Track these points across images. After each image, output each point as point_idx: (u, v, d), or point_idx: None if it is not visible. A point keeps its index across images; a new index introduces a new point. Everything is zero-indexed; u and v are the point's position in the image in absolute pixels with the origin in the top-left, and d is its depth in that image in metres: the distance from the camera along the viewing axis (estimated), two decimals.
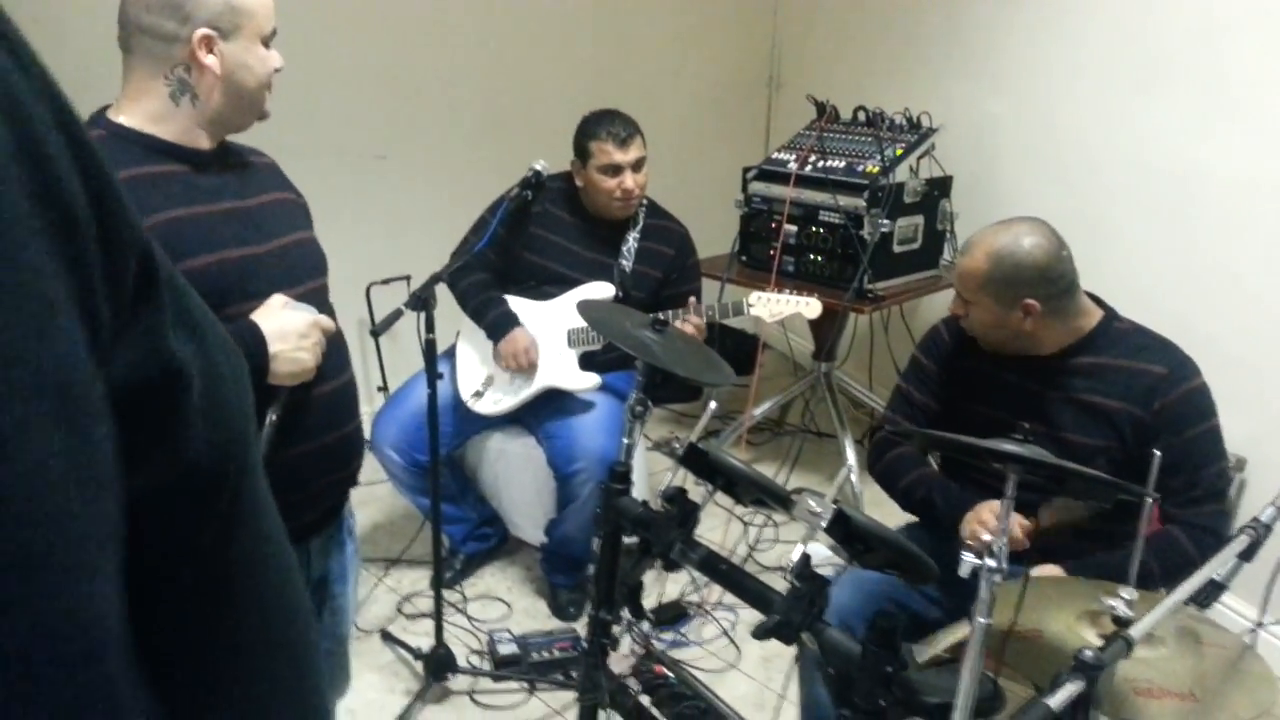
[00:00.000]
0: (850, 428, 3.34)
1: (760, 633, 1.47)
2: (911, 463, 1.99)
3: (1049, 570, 1.78)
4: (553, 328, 2.60)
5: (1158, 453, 1.34)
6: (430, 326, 2.14)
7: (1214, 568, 1.30)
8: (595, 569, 1.75)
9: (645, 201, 2.71)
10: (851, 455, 3.16)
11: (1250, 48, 2.47)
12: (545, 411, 2.62)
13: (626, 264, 2.65)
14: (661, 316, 1.83)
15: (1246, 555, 1.36)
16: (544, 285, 2.64)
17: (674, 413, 3.87)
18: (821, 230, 3.13)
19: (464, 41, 3.54)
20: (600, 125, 2.59)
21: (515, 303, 2.63)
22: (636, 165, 2.59)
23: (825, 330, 3.40)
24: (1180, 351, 1.82)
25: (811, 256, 3.16)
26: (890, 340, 3.56)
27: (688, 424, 3.74)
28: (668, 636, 2.59)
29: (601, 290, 2.60)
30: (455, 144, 3.60)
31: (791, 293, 2.53)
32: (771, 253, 3.18)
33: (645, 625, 1.80)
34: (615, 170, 2.58)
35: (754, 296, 2.52)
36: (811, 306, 2.48)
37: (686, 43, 4.05)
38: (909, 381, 2.06)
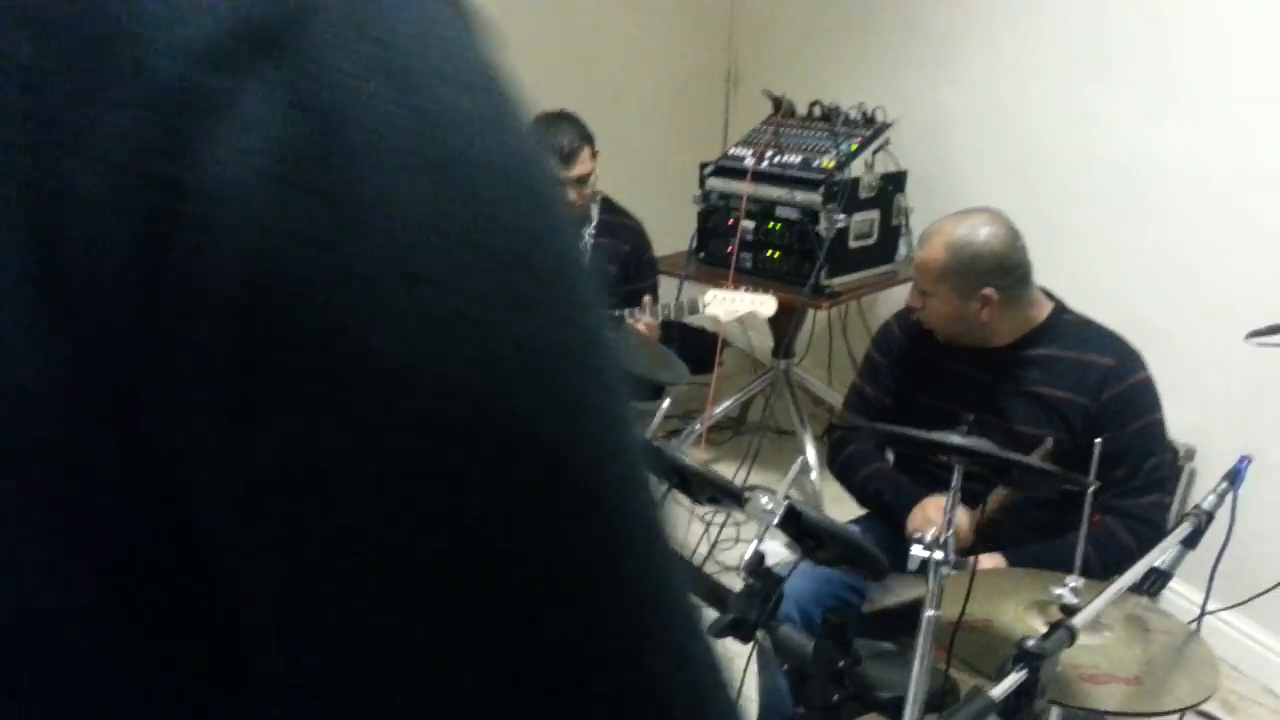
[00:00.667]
0: (810, 424, 3.36)
1: (715, 630, 1.47)
2: (866, 459, 2.01)
3: (992, 560, 1.80)
4: None
5: (1099, 442, 1.36)
6: None
7: (1156, 556, 1.32)
8: None
9: (600, 197, 2.70)
10: (811, 452, 3.17)
11: (1198, 42, 2.51)
12: None
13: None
14: (613, 314, 1.83)
15: (1190, 542, 1.39)
16: None
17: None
18: (779, 226, 3.13)
19: None
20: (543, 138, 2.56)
21: None
22: (581, 180, 2.54)
23: (783, 327, 3.41)
24: (1128, 344, 1.85)
25: (769, 253, 3.17)
26: (849, 336, 3.58)
27: (645, 423, 3.74)
28: None
29: None
30: None
31: (748, 290, 2.53)
32: (729, 249, 3.19)
33: None
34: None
35: (709, 295, 2.53)
36: (767, 304, 2.49)
37: (644, 38, 4.05)
38: (863, 378, 2.08)
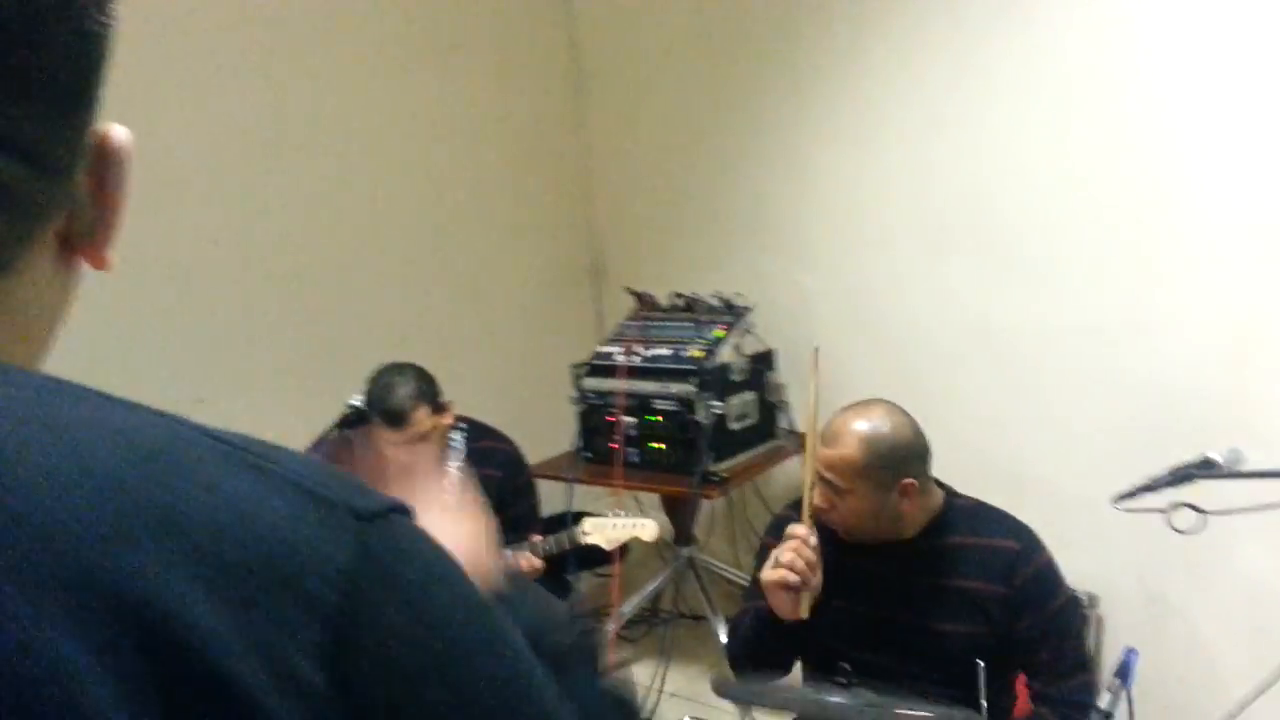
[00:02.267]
0: (722, 606, 3.28)
1: None
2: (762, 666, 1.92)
3: None
4: None
5: (982, 665, 1.32)
6: None
7: None
8: None
9: (465, 425, 2.63)
10: (724, 637, 3.08)
11: (1020, 207, 2.68)
12: None
13: None
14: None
15: None
16: None
17: None
18: (659, 418, 3.14)
19: (278, 270, 3.49)
20: (375, 401, 2.38)
21: None
22: (418, 440, 2.41)
23: (681, 515, 3.38)
24: (1023, 524, 1.84)
25: (652, 445, 3.16)
26: (749, 513, 3.57)
27: None
28: None
29: None
30: (280, 379, 3.49)
31: (625, 515, 2.48)
32: (613, 446, 3.17)
33: None
34: (394, 446, 2.43)
35: (588, 524, 2.47)
36: (647, 529, 2.44)
37: (505, 240, 4.11)
38: (761, 568, 1.99)
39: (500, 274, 4.11)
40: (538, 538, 2.46)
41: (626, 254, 4.23)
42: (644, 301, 3.37)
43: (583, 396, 3.27)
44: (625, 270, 4.09)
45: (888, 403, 1.86)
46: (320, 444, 2.51)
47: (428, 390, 2.43)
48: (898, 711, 1.25)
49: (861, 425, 1.77)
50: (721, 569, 3.59)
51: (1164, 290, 2.39)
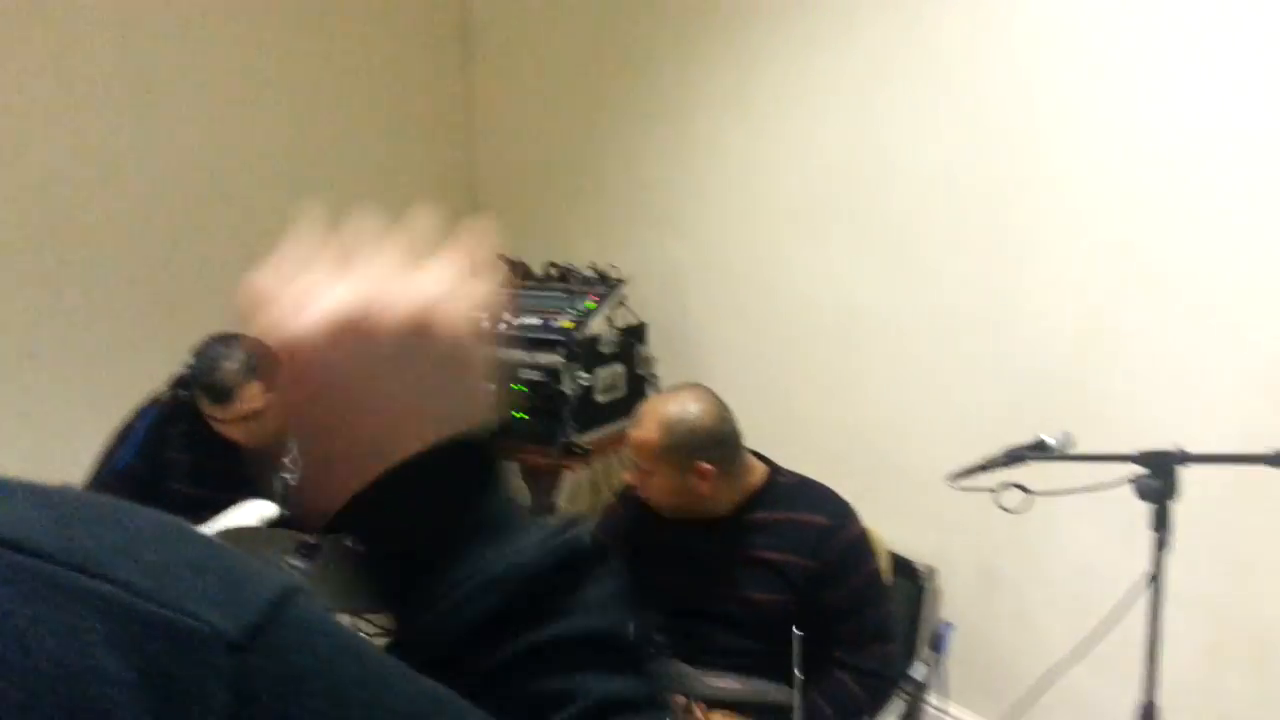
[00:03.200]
0: None
1: None
2: None
3: None
4: None
5: (799, 633, 1.35)
6: None
7: None
8: None
9: None
10: None
11: (898, 194, 2.72)
12: None
13: (292, 476, 2.40)
14: (313, 540, 1.67)
15: (910, 718, 1.39)
16: (197, 512, 2.28)
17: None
18: (524, 388, 3.10)
19: (125, 216, 3.29)
20: (200, 375, 2.24)
21: None
22: (249, 417, 2.26)
23: (541, 486, 3.35)
24: (839, 499, 1.91)
25: (515, 414, 3.11)
26: (613, 486, 3.56)
27: None
28: None
29: (256, 511, 2.35)
30: (119, 334, 3.30)
31: None
32: None
33: None
34: (222, 423, 2.29)
35: None
36: None
37: (379, 201, 3.97)
38: None
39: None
40: None
41: (504, 221, 4.16)
42: (517, 270, 3.32)
43: None
44: (502, 238, 4.01)
45: (699, 389, 1.93)
46: (152, 405, 2.38)
47: (261, 365, 2.25)
48: (708, 683, 1.26)
49: (664, 411, 1.86)
50: None
51: (1016, 279, 2.47)
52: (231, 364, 2.23)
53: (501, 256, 3.34)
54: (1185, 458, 1.57)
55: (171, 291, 3.38)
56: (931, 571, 2.74)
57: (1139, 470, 1.60)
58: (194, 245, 3.44)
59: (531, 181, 4.00)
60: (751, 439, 2.05)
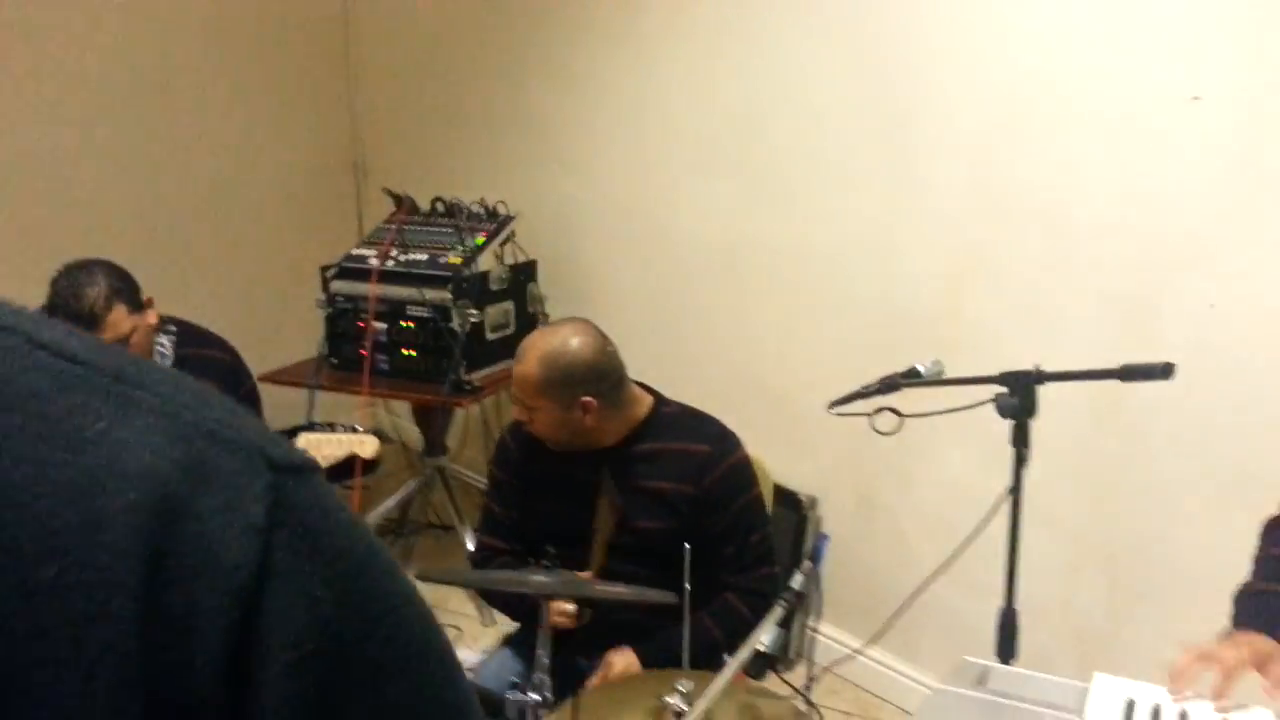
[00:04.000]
0: (471, 516, 3.27)
1: None
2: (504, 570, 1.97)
3: (622, 657, 1.80)
4: None
5: (688, 548, 1.38)
6: None
7: (751, 646, 1.35)
8: None
9: (174, 328, 2.41)
10: (472, 546, 3.08)
11: (782, 134, 2.74)
12: None
13: None
14: None
15: (786, 624, 1.43)
16: None
17: None
18: (412, 325, 3.05)
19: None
20: (62, 305, 2.13)
21: None
22: (120, 342, 2.15)
23: (433, 424, 3.32)
24: (722, 428, 1.94)
25: (404, 352, 3.07)
26: (505, 423, 3.54)
27: None
28: None
29: None
30: None
31: (344, 430, 2.37)
32: (362, 352, 3.05)
33: None
34: None
35: (304, 440, 2.34)
36: (366, 445, 2.34)
37: (260, 133, 3.84)
38: (490, 496, 2.05)
39: (252, 169, 3.84)
40: None
41: (391, 155, 4.05)
42: (403, 204, 3.24)
43: (331, 300, 3.12)
44: (389, 172, 3.91)
45: (579, 322, 1.93)
46: None
47: (122, 287, 2.19)
48: (596, 587, 1.28)
49: (544, 346, 1.85)
50: (474, 479, 3.57)
51: (895, 218, 2.53)
52: (94, 289, 2.13)
53: (387, 191, 3.26)
54: (1041, 376, 1.65)
55: (40, 225, 3.20)
56: (813, 500, 2.84)
57: (1001, 390, 1.67)
58: (65, 183, 3.26)
59: (417, 115, 3.89)
60: (642, 374, 2.06)
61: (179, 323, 2.43)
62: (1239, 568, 1.48)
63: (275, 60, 3.83)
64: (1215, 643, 1.31)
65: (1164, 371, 1.57)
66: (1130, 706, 1.24)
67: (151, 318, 2.28)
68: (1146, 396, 2.13)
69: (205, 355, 2.43)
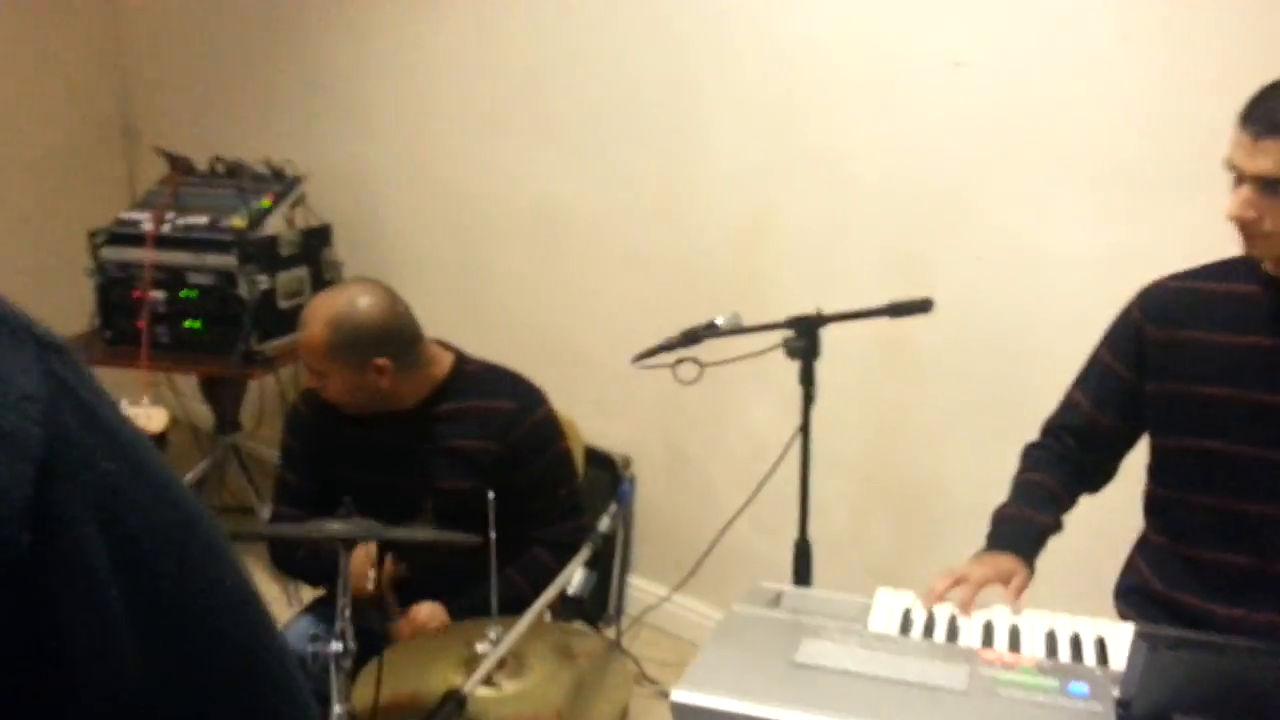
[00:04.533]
0: (271, 494, 3.12)
1: None
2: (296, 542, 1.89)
3: (427, 607, 1.77)
4: None
5: (492, 496, 1.37)
6: None
7: (558, 588, 1.36)
8: None
9: None
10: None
11: (571, 92, 2.74)
12: None
13: None
14: None
15: (592, 564, 1.45)
16: None
17: None
18: (194, 293, 2.86)
19: None
20: None
21: None
22: None
23: (223, 400, 3.14)
24: (525, 384, 1.93)
25: (187, 323, 2.88)
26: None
27: None
28: None
29: None
30: None
31: (131, 404, 2.21)
32: (140, 324, 2.84)
33: None
34: None
35: None
36: (155, 418, 2.20)
37: (13, 90, 3.49)
38: (284, 467, 1.96)
39: (17, 132, 3.49)
40: None
41: (164, 113, 3.77)
42: (178, 165, 3.03)
43: (101, 268, 2.88)
44: (163, 131, 3.64)
45: (366, 282, 1.87)
46: None
47: None
48: (395, 530, 1.26)
49: (330, 309, 1.78)
50: (272, 455, 3.40)
51: (691, 178, 2.60)
52: None
53: (159, 150, 3.04)
54: (822, 319, 1.75)
55: None
56: (627, 460, 2.89)
57: (788, 334, 1.75)
58: None
59: (191, 70, 3.64)
60: (447, 338, 2.01)
61: None
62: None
63: (32, 8, 3.49)
64: (968, 563, 1.45)
65: (924, 306, 1.70)
66: (906, 615, 1.34)
67: None
68: (924, 343, 2.29)
69: None
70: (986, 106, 2.13)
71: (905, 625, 1.34)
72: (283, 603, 2.91)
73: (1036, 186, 2.09)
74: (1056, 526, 1.56)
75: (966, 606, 1.37)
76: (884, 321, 1.84)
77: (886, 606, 1.38)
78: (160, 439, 3.32)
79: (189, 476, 3.18)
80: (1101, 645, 1.29)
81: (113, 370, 2.78)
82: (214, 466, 3.20)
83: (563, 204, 2.85)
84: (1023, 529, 1.53)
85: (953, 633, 1.33)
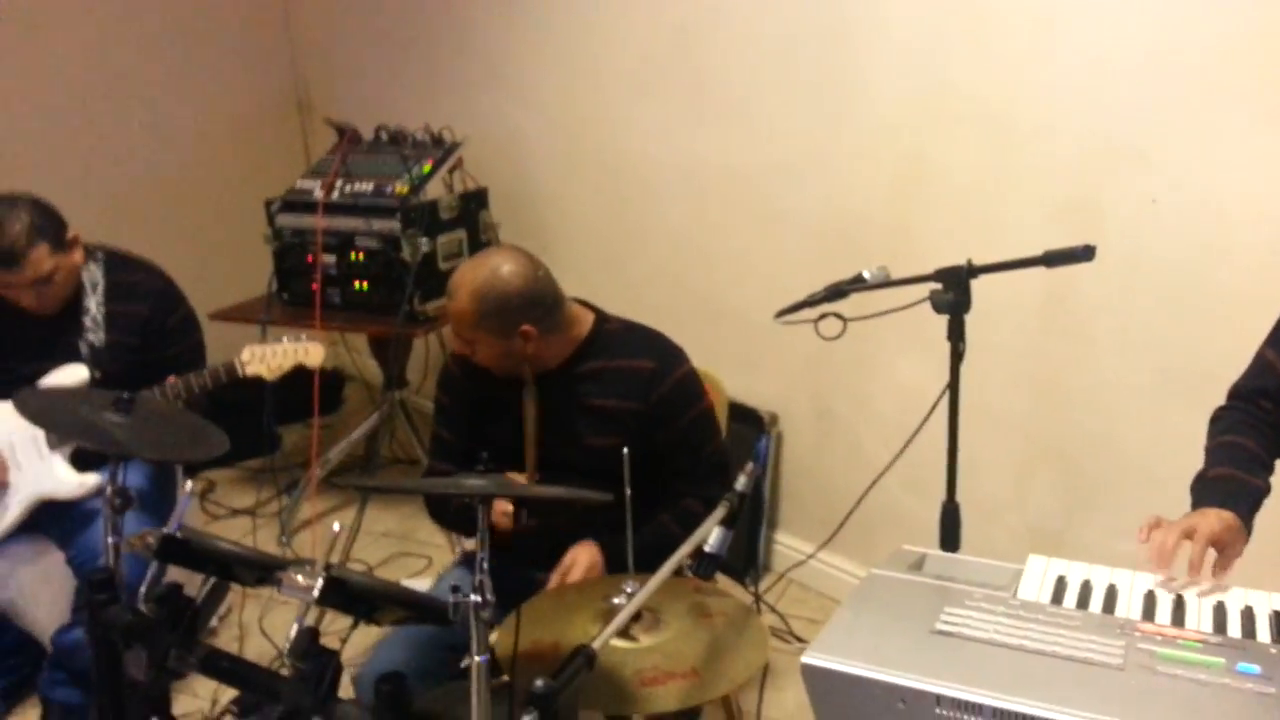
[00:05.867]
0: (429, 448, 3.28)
1: None
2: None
3: (586, 554, 1.81)
4: (25, 430, 2.20)
5: (627, 452, 1.38)
6: None
7: (693, 544, 1.37)
8: (95, 690, 1.53)
9: (101, 256, 2.35)
10: None
11: (724, 49, 2.70)
12: (59, 516, 2.27)
13: (95, 336, 2.29)
14: (127, 396, 1.59)
15: (729, 523, 1.45)
16: (2, 387, 2.17)
17: (249, 470, 3.57)
18: (361, 257, 3.01)
19: None
20: None
21: None
22: (43, 280, 2.16)
23: (390, 358, 3.30)
24: (666, 342, 1.93)
25: (356, 285, 3.03)
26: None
27: (264, 482, 3.47)
28: None
29: (71, 375, 2.25)
30: None
31: (289, 340, 2.35)
32: (313, 286, 3.01)
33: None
34: (11, 289, 2.18)
35: (247, 353, 2.31)
36: (312, 353, 2.33)
37: (197, 73, 3.75)
38: (438, 423, 2.03)
39: (194, 106, 3.76)
40: (172, 379, 2.26)
41: (333, 85, 3.96)
42: (345, 134, 3.18)
43: (277, 234, 3.07)
44: (332, 103, 3.83)
45: (508, 249, 1.88)
46: None
47: (46, 225, 2.15)
48: (532, 488, 1.29)
49: (474, 278, 1.80)
50: None
51: (840, 131, 2.51)
52: (16, 226, 2.09)
53: (329, 121, 3.19)
54: (973, 270, 1.66)
55: None
56: (774, 417, 2.86)
57: (936, 287, 1.68)
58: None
59: (356, 43, 3.80)
60: (596, 296, 2.03)
61: (107, 250, 2.38)
62: (1185, 461, 1.50)
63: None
64: (1189, 516, 1.33)
65: (1085, 254, 1.58)
66: (1060, 582, 1.27)
67: (76, 256, 2.24)
68: (1091, 295, 2.15)
69: (135, 280, 2.38)
70: (1159, 39, 1.95)
71: (1058, 594, 1.27)
72: (446, 550, 3.07)
73: (1215, 125, 1.91)
74: (1268, 490, 1.42)
75: (1196, 566, 1.27)
76: (1045, 274, 1.74)
77: (1038, 573, 1.31)
78: (335, 383, 3.49)
79: (360, 430, 3.38)
80: (1278, 620, 1.19)
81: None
82: (383, 420, 3.38)
83: (711, 161, 2.82)
84: (1238, 489, 1.38)
85: (1109, 604, 1.25)
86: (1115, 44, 2.00)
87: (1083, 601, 1.26)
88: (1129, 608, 1.24)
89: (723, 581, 2.18)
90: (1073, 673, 1.08)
